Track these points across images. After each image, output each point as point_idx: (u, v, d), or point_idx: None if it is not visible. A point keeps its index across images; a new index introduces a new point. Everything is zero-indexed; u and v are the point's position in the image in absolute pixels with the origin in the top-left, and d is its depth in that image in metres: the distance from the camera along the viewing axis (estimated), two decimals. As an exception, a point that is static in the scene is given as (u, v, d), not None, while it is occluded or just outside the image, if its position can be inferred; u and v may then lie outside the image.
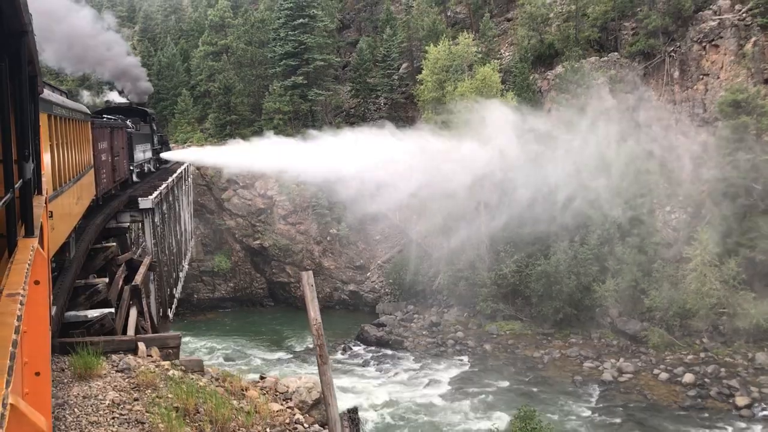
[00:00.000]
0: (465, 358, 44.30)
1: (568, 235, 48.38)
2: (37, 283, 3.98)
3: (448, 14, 72.74)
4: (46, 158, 10.17)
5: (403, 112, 66.13)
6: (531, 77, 51.97)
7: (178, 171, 44.31)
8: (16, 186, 4.85)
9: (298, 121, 62.94)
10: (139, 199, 27.07)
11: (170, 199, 36.85)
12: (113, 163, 25.83)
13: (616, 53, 56.88)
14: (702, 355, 40.56)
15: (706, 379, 37.68)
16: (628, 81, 55.95)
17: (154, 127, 43.60)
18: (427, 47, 53.47)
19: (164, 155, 45.37)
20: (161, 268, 30.28)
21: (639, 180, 48.67)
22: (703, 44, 52.36)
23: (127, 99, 47.87)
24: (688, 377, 37.90)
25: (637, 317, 44.96)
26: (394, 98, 66.16)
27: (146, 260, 23.16)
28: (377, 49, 67.32)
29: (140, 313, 20.76)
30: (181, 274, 40.77)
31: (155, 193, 29.45)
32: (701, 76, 52.47)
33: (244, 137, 60.93)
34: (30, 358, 3.60)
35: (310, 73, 63.63)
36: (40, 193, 7.02)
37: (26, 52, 5.14)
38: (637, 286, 44.89)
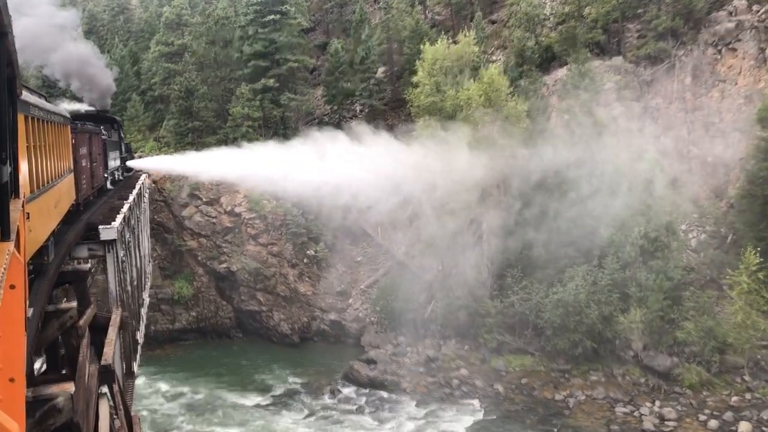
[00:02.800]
0: (475, 402, 38.42)
1: (583, 258, 43.18)
2: (12, 287, 3.93)
3: (427, 15, 67.42)
4: (23, 159, 9.81)
5: (382, 120, 60.19)
6: (538, 81, 46.50)
7: (137, 185, 37.53)
8: None
9: (269, 128, 56.41)
10: (101, 227, 20.39)
11: (132, 222, 30.07)
12: (92, 169, 24.98)
13: (620, 57, 52.21)
14: (747, 396, 35.64)
15: (764, 428, 32.66)
16: (633, 87, 51.36)
17: (122, 135, 42.01)
18: (421, 46, 47.55)
19: (130, 163, 43.60)
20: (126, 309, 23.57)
21: (653, 196, 43.74)
22: (719, 48, 48.09)
23: (94, 106, 43.43)
24: (745, 426, 32.81)
25: (665, 351, 39.90)
26: (373, 104, 60.23)
27: (115, 317, 16.62)
28: (354, 51, 61.26)
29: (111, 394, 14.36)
30: (143, 311, 33.81)
31: (118, 218, 22.79)
32: (716, 83, 48.13)
33: (207, 146, 54.21)
34: (4, 364, 3.47)
35: (282, 76, 57.22)
36: (17, 196, 6.91)
37: (5, 53, 5.22)
38: (664, 317, 39.87)
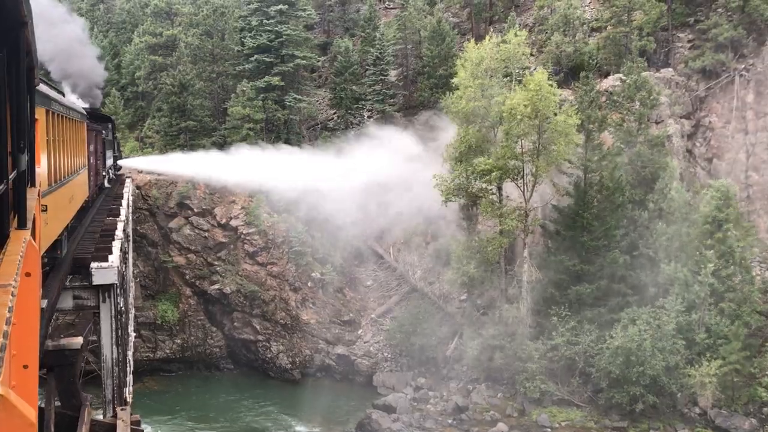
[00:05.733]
0: (523, 469, 32.27)
1: (637, 296, 37.43)
2: (28, 275, 3.88)
3: (443, 16, 61.56)
4: (43, 153, 9.73)
5: (393, 127, 54.04)
6: (593, 91, 40.69)
7: (125, 194, 30.97)
8: (10, 177, 4.83)
9: (271, 132, 49.88)
10: (93, 267, 13.83)
11: (125, 246, 23.49)
12: (96, 167, 25.14)
13: (670, 69, 46.79)
14: None
15: None
16: (684, 103, 46.01)
17: (116, 134, 41.31)
18: (465, 44, 41.51)
19: (121, 162, 42.81)
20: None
21: (721, 228, 37.99)
22: (787, 62, 42.90)
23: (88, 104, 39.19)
24: None
25: (740, 410, 34.25)
26: (384, 109, 54.06)
27: (123, 427, 10.10)
28: (367, 52, 55.12)
29: None
30: (129, 354, 27.05)
31: (115, 248, 16.23)
32: (784, 101, 42.92)
33: (202, 149, 47.74)
34: (18, 351, 3.35)
35: (287, 74, 50.77)
36: (33, 185, 6.81)
37: (24, 42, 5.12)
38: (741, 370, 34.21)
